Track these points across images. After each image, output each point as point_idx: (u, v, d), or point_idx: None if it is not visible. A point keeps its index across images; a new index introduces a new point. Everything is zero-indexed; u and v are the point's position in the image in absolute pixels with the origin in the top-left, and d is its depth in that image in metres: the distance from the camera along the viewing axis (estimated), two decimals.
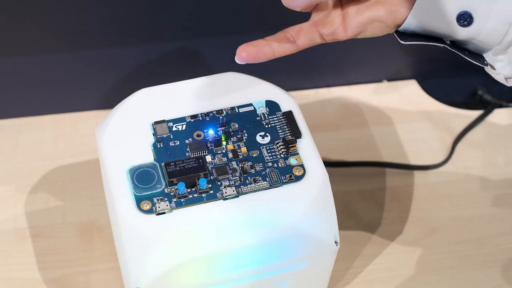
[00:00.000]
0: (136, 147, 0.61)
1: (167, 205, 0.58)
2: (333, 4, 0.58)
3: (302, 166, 0.60)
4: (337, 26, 0.58)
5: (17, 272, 0.73)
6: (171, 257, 0.57)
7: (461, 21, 0.56)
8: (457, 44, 0.59)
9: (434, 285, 0.74)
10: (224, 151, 0.61)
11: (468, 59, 0.58)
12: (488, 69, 0.59)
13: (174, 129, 0.62)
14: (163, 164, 0.59)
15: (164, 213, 0.57)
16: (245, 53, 0.57)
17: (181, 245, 0.57)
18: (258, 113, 0.63)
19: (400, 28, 0.58)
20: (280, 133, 0.62)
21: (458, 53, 0.58)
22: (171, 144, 0.61)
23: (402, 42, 0.57)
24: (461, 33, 0.56)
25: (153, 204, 0.58)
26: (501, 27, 0.56)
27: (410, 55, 0.91)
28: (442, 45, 0.58)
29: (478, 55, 0.59)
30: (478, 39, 0.57)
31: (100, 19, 0.81)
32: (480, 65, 0.58)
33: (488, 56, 0.58)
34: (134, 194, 0.58)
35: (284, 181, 0.59)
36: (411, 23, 0.57)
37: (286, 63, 0.87)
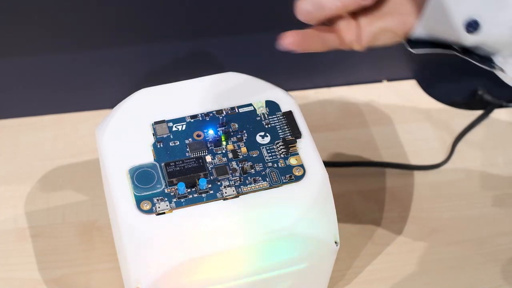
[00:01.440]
0: (136, 147, 0.61)
1: (167, 205, 0.58)
2: (347, 16, 0.59)
3: (302, 166, 0.60)
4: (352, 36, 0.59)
5: (17, 272, 0.73)
6: (171, 257, 0.57)
7: (469, 28, 0.56)
8: (466, 50, 0.59)
9: (434, 285, 0.74)
10: (224, 151, 0.61)
11: (478, 64, 0.58)
12: (498, 72, 0.60)
13: (174, 129, 0.62)
14: (163, 164, 0.59)
15: (164, 213, 0.57)
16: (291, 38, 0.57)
17: (181, 245, 0.57)
18: (258, 113, 0.63)
19: (409, 37, 0.59)
20: (280, 133, 0.62)
21: (468, 59, 0.58)
22: (171, 144, 0.61)
23: (412, 50, 0.58)
24: (469, 40, 0.57)
25: (153, 204, 0.58)
26: (508, 33, 0.56)
27: (410, 55, 0.91)
28: (451, 51, 0.58)
29: (488, 59, 0.59)
30: (487, 45, 0.57)
31: (100, 19, 0.81)
32: (490, 69, 0.58)
33: (498, 60, 0.59)
34: (134, 194, 0.58)
35: (284, 181, 0.59)
36: (420, 31, 0.58)
37: (286, 63, 0.87)
